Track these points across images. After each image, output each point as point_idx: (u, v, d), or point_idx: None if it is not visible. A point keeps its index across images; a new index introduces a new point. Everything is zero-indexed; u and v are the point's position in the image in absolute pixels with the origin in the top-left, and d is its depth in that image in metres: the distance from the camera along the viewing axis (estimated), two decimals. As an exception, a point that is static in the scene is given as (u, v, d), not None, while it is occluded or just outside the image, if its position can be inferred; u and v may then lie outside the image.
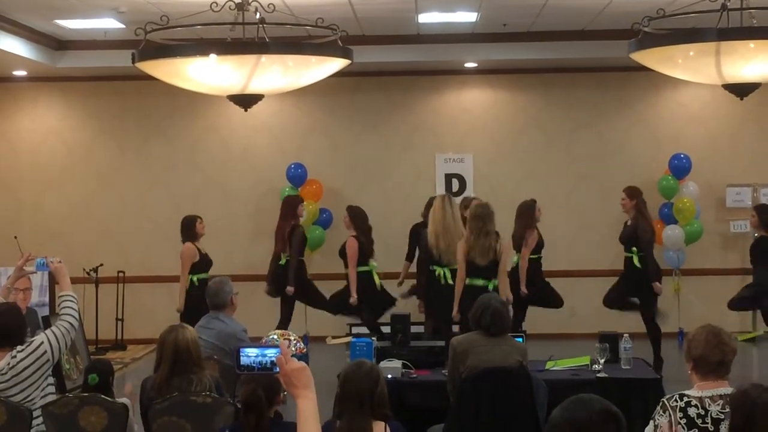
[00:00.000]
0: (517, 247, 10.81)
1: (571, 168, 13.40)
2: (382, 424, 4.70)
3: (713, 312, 11.23)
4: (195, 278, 10.39)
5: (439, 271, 9.72)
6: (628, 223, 10.89)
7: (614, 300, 10.90)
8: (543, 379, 6.81)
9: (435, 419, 6.91)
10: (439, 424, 6.80)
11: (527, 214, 10.84)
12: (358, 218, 10.94)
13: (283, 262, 11.16)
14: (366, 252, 10.84)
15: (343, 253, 10.97)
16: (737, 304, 10.99)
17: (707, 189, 13.13)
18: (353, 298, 10.69)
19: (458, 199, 12.88)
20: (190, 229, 10.57)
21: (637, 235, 10.69)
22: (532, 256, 10.79)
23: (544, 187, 13.11)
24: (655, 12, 7.60)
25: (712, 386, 4.54)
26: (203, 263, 10.49)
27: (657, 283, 10.66)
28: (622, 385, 7.10)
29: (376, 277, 10.87)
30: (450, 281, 9.56)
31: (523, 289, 10.68)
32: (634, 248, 10.69)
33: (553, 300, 11.01)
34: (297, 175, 13.16)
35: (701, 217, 12.99)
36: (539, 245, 10.88)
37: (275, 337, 5.93)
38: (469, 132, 13.54)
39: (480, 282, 9.04)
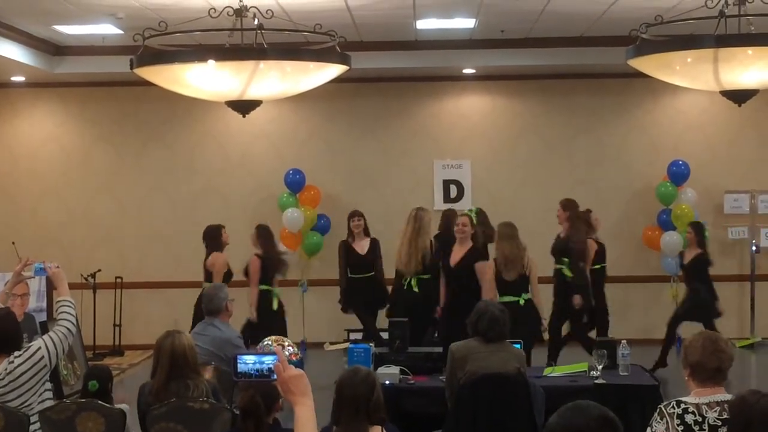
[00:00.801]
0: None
1: (569, 174, 13.39)
2: (379, 428, 4.71)
3: (711, 318, 11.20)
4: None
5: (405, 280, 9.97)
6: (561, 235, 10.92)
7: (557, 329, 10.83)
8: (541, 386, 6.81)
9: (433, 425, 6.92)
10: (436, 431, 6.80)
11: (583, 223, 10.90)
12: (263, 237, 10.70)
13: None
14: (269, 272, 10.61)
15: (246, 272, 10.73)
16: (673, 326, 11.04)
17: (705, 195, 13.13)
18: (252, 317, 10.46)
19: (457, 205, 12.94)
20: (215, 238, 10.46)
21: (569, 246, 10.69)
22: (594, 267, 10.86)
23: (542, 194, 13.10)
24: (653, 19, 7.62)
25: (710, 393, 4.53)
26: (228, 275, 10.31)
27: (577, 296, 10.53)
28: (619, 391, 7.09)
29: (274, 300, 10.61)
30: (415, 288, 9.88)
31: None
32: (565, 259, 10.65)
33: (603, 324, 11.01)
34: (295, 181, 13.15)
35: (699, 223, 12.98)
36: (601, 254, 11.00)
37: (270, 343, 5.91)
38: (467, 138, 13.54)
39: (509, 298, 8.93)
